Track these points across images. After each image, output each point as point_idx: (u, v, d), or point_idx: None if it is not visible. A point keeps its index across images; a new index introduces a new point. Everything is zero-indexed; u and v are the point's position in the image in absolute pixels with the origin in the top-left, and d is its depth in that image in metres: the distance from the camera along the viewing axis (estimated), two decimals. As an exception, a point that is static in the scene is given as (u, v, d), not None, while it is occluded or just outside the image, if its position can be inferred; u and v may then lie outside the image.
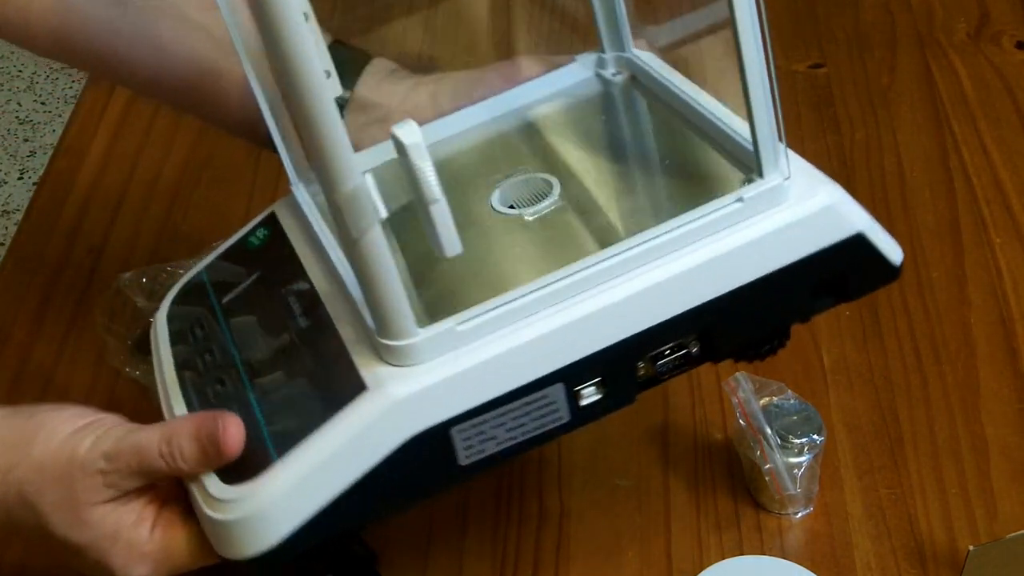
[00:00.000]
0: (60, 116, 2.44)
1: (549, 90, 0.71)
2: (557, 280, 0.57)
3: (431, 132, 0.70)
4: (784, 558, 0.77)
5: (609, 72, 0.70)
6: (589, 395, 0.58)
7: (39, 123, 2.45)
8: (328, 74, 0.52)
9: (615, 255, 0.57)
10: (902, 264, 0.63)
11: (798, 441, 0.78)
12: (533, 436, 0.58)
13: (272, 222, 0.71)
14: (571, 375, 0.57)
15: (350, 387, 0.57)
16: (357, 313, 0.59)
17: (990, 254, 0.97)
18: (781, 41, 1.20)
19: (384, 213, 0.53)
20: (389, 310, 0.55)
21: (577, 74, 0.71)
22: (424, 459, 0.57)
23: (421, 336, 0.56)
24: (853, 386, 0.88)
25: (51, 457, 0.61)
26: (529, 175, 0.65)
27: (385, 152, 0.69)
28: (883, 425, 0.85)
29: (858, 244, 0.60)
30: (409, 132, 0.51)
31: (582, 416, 0.59)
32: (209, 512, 0.58)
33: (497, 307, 0.56)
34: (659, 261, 0.57)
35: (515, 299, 0.56)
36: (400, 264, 0.62)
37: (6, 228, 2.22)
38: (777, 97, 0.58)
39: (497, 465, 0.59)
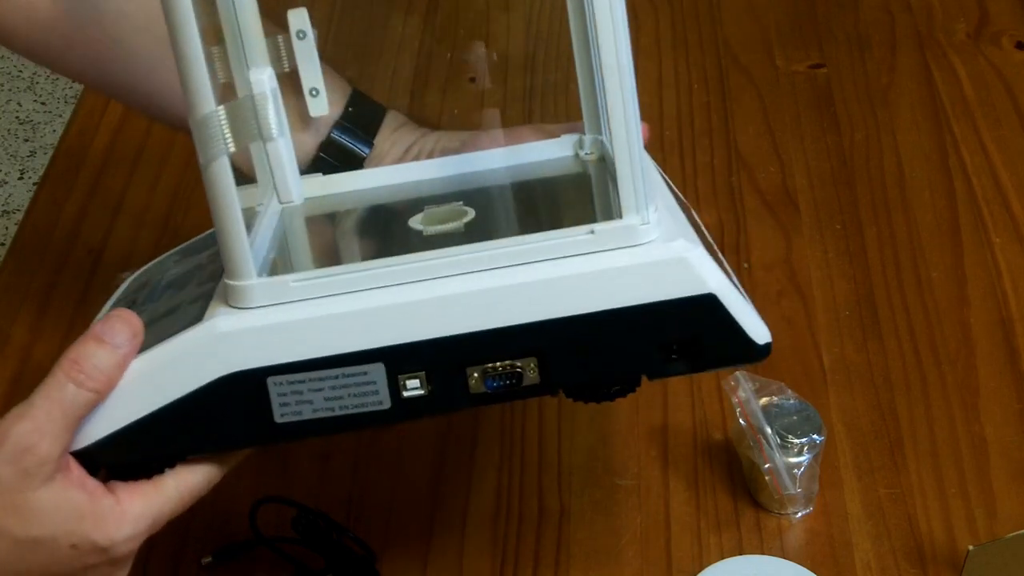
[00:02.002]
0: (60, 116, 2.44)
1: (526, 158, 0.74)
2: (394, 265, 0.59)
3: (413, 172, 0.74)
4: (784, 558, 0.77)
5: (584, 152, 0.73)
6: (413, 388, 0.60)
7: (39, 123, 2.45)
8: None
9: (456, 254, 0.59)
10: (769, 346, 0.61)
11: (798, 441, 0.78)
12: (352, 414, 0.60)
13: None
14: (393, 358, 0.59)
15: (192, 320, 0.60)
16: None
17: (990, 254, 0.97)
18: (781, 41, 1.20)
19: (233, 148, 0.56)
20: (228, 247, 0.58)
21: (557, 150, 0.74)
22: (239, 403, 0.59)
23: (255, 281, 0.59)
24: (853, 386, 0.88)
25: None
26: (455, 206, 0.68)
27: (383, 175, 0.73)
28: (883, 425, 0.85)
29: (709, 307, 0.59)
30: (261, 81, 0.55)
31: (404, 408, 0.60)
32: None
33: (332, 275, 0.59)
34: (499, 270, 0.59)
35: (351, 272, 0.59)
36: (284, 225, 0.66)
37: (6, 228, 2.22)
38: (641, 145, 0.58)
39: (315, 436, 0.60)
